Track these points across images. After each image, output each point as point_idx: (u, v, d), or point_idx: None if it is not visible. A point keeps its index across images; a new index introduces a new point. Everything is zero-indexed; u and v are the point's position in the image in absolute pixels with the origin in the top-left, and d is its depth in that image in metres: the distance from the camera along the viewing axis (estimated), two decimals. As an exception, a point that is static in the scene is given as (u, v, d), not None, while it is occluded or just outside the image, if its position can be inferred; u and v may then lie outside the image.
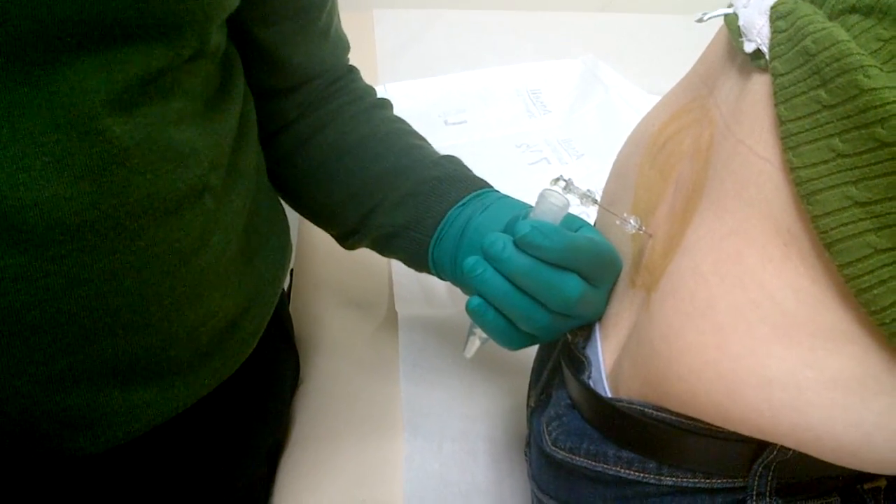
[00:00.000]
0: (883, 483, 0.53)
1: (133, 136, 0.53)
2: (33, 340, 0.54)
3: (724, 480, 0.52)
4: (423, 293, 0.94)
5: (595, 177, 1.06)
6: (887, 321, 0.44)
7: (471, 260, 0.58)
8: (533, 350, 0.71)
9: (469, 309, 0.60)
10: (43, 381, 0.56)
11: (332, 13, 0.77)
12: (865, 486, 0.53)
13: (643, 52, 1.40)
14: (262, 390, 0.80)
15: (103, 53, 0.50)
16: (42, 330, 0.54)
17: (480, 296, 0.59)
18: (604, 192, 0.71)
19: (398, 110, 0.84)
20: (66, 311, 0.54)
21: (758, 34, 0.52)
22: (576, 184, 0.63)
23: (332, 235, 0.82)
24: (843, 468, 0.49)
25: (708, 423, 0.51)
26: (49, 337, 0.54)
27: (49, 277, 0.52)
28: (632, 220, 0.60)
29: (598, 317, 0.64)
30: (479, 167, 0.78)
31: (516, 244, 0.57)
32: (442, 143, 1.15)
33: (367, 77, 0.85)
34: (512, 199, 0.72)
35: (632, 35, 1.48)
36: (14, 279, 0.51)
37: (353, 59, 0.84)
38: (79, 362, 0.57)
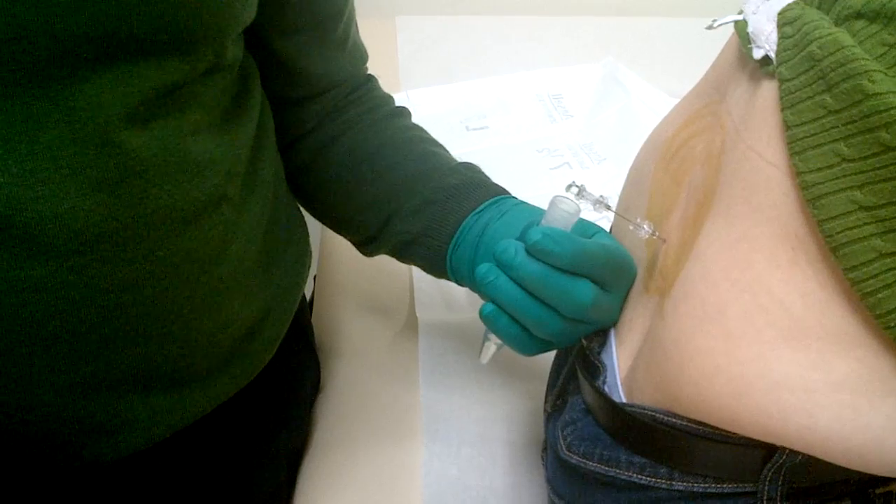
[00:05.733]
0: (895, 487, 0.53)
1: (150, 148, 0.54)
2: (54, 350, 0.55)
3: (735, 485, 0.52)
4: (444, 298, 0.94)
5: (616, 181, 1.06)
6: (892, 325, 0.44)
7: (483, 267, 0.59)
8: (551, 355, 0.71)
9: (482, 315, 0.60)
10: (64, 389, 0.57)
11: (350, 23, 0.78)
12: (877, 491, 0.53)
13: (664, 56, 1.40)
14: (282, 396, 0.80)
15: (119, 68, 0.51)
16: (62, 339, 0.55)
17: (494, 302, 0.60)
18: (620, 198, 0.71)
19: (420, 116, 0.84)
20: (87, 320, 0.55)
21: (766, 40, 0.53)
22: (589, 189, 0.63)
23: (352, 242, 0.83)
24: (853, 472, 0.49)
25: (718, 428, 0.51)
26: (69, 346, 0.55)
27: (69, 288, 0.53)
28: (645, 226, 0.61)
29: (613, 322, 0.64)
30: (501, 173, 0.79)
31: (528, 251, 0.57)
32: (463, 148, 1.16)
33: (389, 83, 0.86)
34: (529, 205, 0.72)
35: (652, 38, 1.47)
36: (35, 290, 0.52)
37: (376, 65, 0.85)
38: (99, 370, 0.57)
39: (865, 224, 0.44)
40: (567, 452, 0.60)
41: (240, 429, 0.75)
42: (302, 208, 0.84)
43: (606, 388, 0.60)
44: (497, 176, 0.78)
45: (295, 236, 0.78)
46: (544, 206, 0.71)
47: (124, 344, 0.58)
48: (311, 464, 0.80)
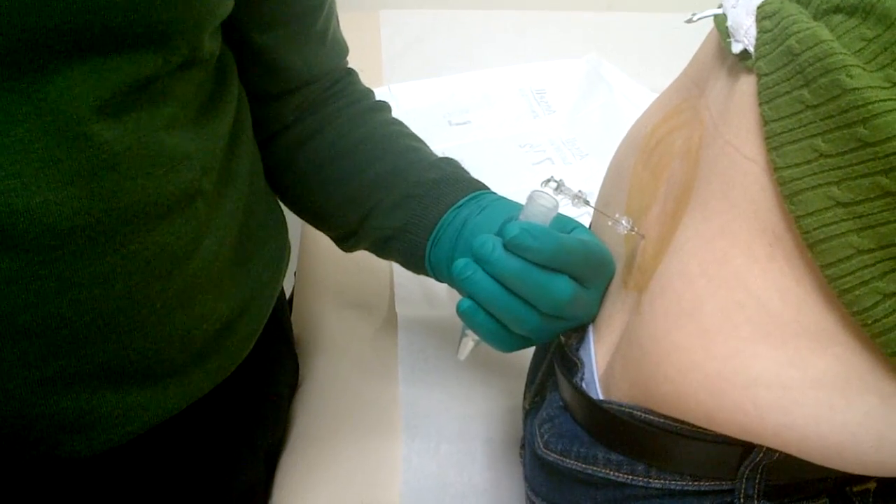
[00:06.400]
0: (872, 485, 0.53)
1: (123, 141, 0.54)
2: (25, 343, 0.54)
3: (712, 483, 0.52)
4: (424, 294, 0.94)
5: (599, 177, 1.06)
6: (869, 322, 0.44)
7: (460, 262, 0.58)
8: (531, 351, 0.71)
9: (459, 311, 0.60)
10: (36, 384, 0.56)
11: (330, 17, 0.77)
12: (854, 489, 0.53)
13: (648, 51, 1.40)
14: (260, 392, 0.80)
15: (92, 61, 0.51)
16: (34, 333, 0.54)
17: (471, 298, 0.59)
18: (599, 193, 0.70)
19: (403, 111, 0.84)
20: (58, 314, 0.54)
21: (745, 34, 0.52)
22: (568, 184, 0.63)
23: (331, 237, 0.82)
24: (830, 470, 0.49)
25: (695, 425, 0.51)
26: (41, 340, 0.55)
27: (41, 281, 0.53)
28: (623, 221, 0.60)
29: (592, 318, 0.64)
30: (483, 168, 0.78)
31: (506, 246, 0.57)
32: (446, 143, 1.16)
33: (372, 77, 0.85)
34: (509, 200, 0.72)
35: (636, 34, 1.47)
36: (6, 283, 0.52)
37: (360, 59, 0.84)
38: (71, 365, 0.57)
39: (843, 220, 0.44)
40: (544, 450, 0.60)
41: (217, 425, 0.74)
42: (281, 203, 0.83)
43: (584, 385, 0.60)
44: (479, 171, 0.77)
45: (273, 232, 0.77)
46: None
47: (96, 338, 0.57)
48: (289, 460, 0.80)
